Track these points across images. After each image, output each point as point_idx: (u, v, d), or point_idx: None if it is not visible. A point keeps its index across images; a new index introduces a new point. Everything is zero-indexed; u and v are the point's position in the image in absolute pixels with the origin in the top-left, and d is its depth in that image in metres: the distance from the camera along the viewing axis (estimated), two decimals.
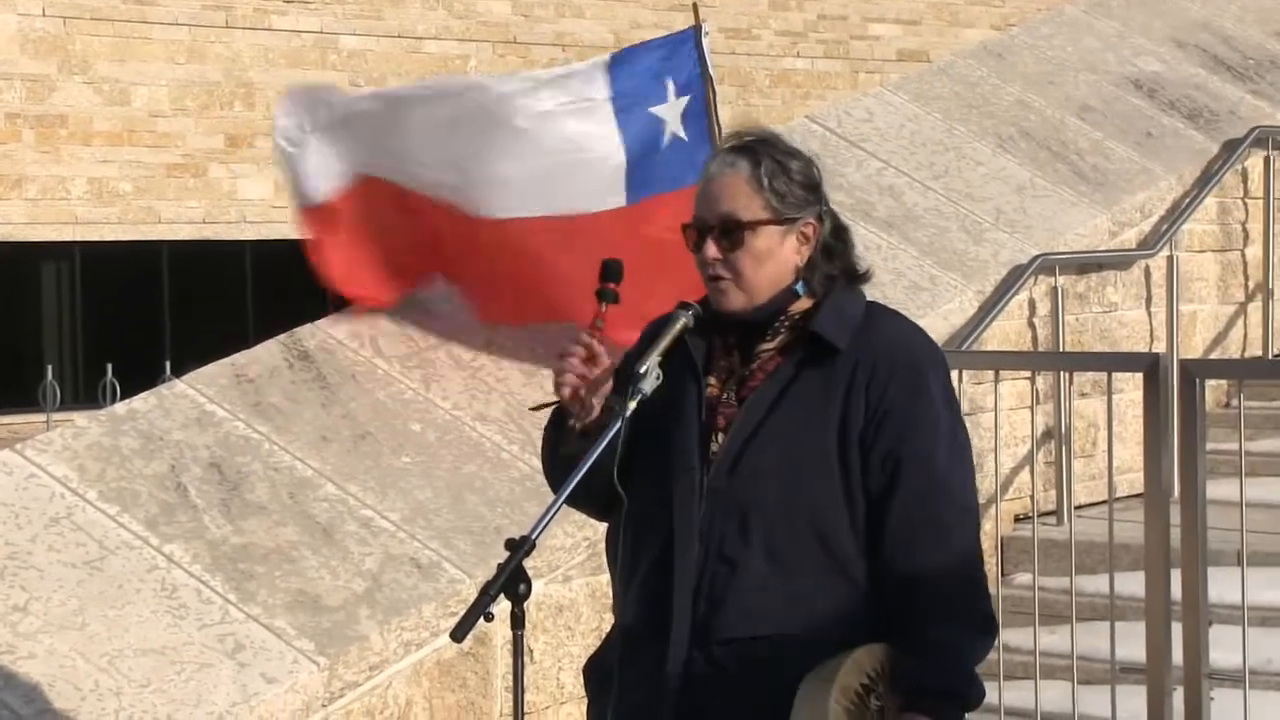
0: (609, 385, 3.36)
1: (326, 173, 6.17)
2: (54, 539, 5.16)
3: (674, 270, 6.00)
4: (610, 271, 3.44)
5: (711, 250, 3.36)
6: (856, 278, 3.45)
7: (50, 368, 26.11)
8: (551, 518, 3.25)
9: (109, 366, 25.91)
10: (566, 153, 6.04)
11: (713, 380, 3.40)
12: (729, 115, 6.22)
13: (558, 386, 3.36)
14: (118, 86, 26.69)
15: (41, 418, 24.47)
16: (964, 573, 3.29)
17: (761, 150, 3.37)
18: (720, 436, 3.35)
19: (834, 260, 3.41)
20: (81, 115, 26.30)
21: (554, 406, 3.43)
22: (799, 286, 3.39)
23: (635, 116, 6.11)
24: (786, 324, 3.39)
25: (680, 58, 6.21)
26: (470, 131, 6.06)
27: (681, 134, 6.12)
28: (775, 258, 3.36)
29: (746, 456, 3.31)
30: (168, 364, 25.21)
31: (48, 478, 5.34)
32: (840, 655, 3.23)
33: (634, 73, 6.17)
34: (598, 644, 3.59)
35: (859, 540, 3.29)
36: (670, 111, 6.13)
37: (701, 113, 6.15)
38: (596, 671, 3.48)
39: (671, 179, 6.07)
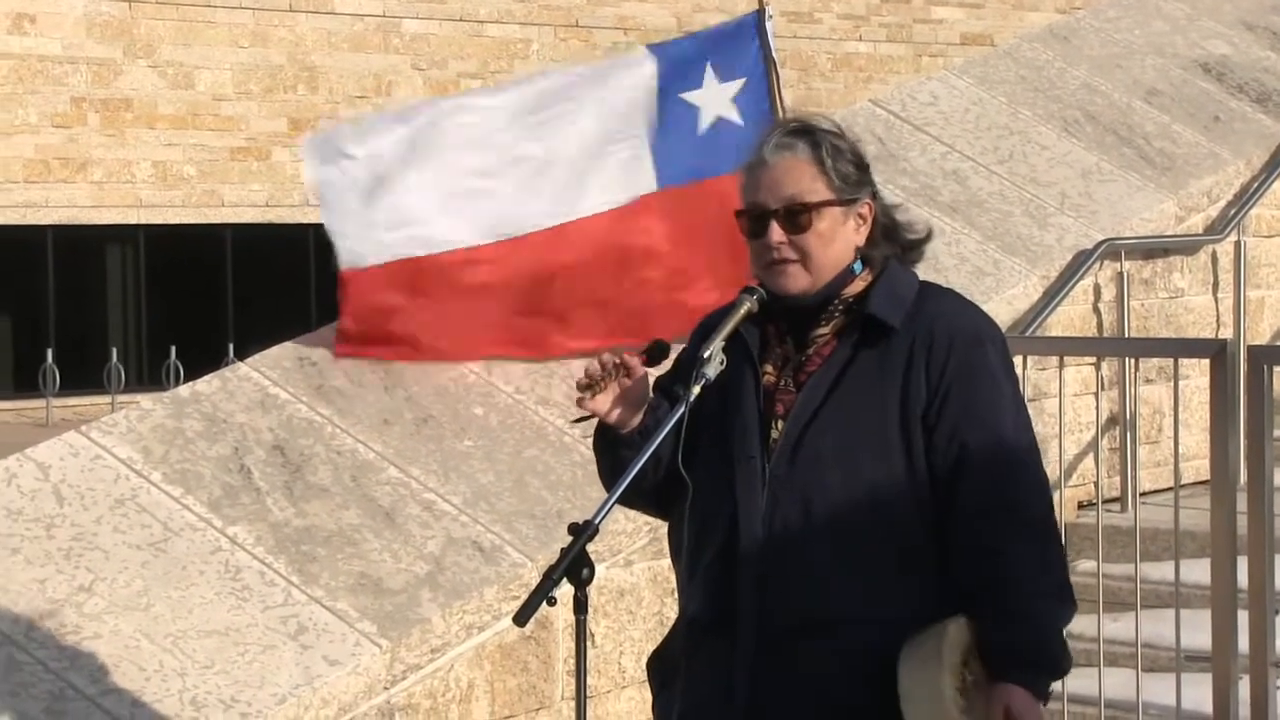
0: (646, 393, 3.36)
1: (371, 241, 6.03)
2: (119, 520, 5.19)
3: (717, 253, 6.03)
4: (656, 353, 3.38)
5: (777, 234, 3.35)
6: (912, 251, 3.44)
7: (115, 350, 26.31)
8: (614, 503, 3.25)
9: (173, 349, 26.08)
10: (602, 143, 6.03)
11: (769, 368, 3.39)
12: (790, 99, 6.20)
13: (586, 409, 3.35)
14: (182, 70, 26.84)
15: (106, 399, 24.65)
16: (1040, 543, 3.28)
17: (817, 133, 3.37)
18: (779, 423, 3.34)
19: (890, 238, 3.41)
20: (146, 99, 26.47)
21: (598, 423, 3.43)
22: (857, 266, 3.38)
23: (667, 103, 6.09)
24: (840, 307, 3.37)
25: (731, 42, 6.18)
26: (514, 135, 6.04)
27: (734, 118, 6.09)
28: (839, 238, 3.36)
29: (807, 442, 3.30)
30: (231, 346, 25.36)
31: (113, 459, 5.37)
32: (930, 633, 3.21)
33: (671, 60, 6.16)
34: (659, 629, 3.60)
35: (924, 520, 3.28)
36: (708, 96, 6.09)
37: (764, 96, 6.13)
38: (661, 663, 3.47)
39: (717, 164, 6.03)
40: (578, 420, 3.48)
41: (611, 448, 3.40)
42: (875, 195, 3.42)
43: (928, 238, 3.49)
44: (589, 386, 3.34)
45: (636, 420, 3.35)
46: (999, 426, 3.28)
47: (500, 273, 5.97)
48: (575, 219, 6.02)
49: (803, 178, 3.34)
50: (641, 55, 6.21)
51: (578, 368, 6.07)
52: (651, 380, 3.43)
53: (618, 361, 3.32)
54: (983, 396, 3.28)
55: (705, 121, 6.09)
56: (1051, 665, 3.25)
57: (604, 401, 3.34)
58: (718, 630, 3.31)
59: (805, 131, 3.37)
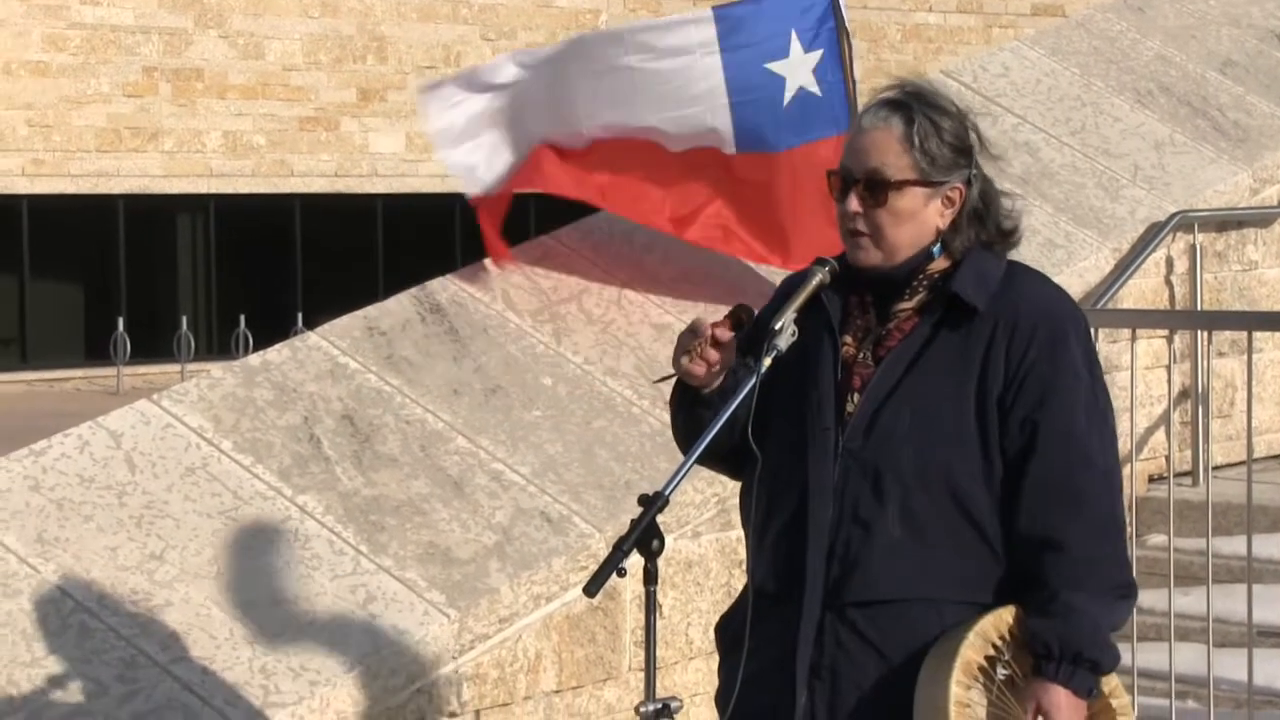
0: (732, 357, 3.33)
1: (499, 162, 6.22)
2: (190, 489, 5.23)
3: (777, 221, 6.08)
4: (741, 320, 3.36)
5: (854, 204, 3.32)
6: (1004, 241, 3.40)
7: (185, 319, 26.47)
8: (685, 474, 3.24)
9: (242, 318, 26.23)
10: (668, 104, 6.09)
11: (848, 339, 3.37)
12: (860, 70, 6.17)
13: (681, 371, 3.34)
14: (252, 40, 26.95)
15: (176, 368, 24.82)
16: (1101, 537, 3.24)
17: (917, 108, 3.32)
18: (856, 397, 3.31)
19: (980, 224, 3.36)
20: (217, 69, 26.59)
21: (676, 381, 3.41)
22: (936, 249, 3.34)
23: (748, 73, 6.08)
24: (925, 283, 3.34)
25: (808, 11, 6.16)
26: (595, 81, 6.12)
27: (814, 89, 6.08)
28: (917, 219, 3.32)
29: (882, 418, 3.28)
30: (299, 316, 25.48)
31: (183, 428, 5.40)
32: (963, 626, 3.19)
33: (746, 27, 6.14)
34: (726, 601, 3.59)
35: (994, 504, 3.26)
36: (792, 67, 6.08)
37: (837, 66, 6.11)
38: (727, 631, 3.46)
39: (796, 134, 6.05)
40: (660, 379, 3.47)
41: (689, 405, 3.38)
42: (971, 180, 3.36)
43: (1016, 234, 3.43)
44: (690, 349, 3.30)
45: (717, 382, 3.34)
46: (1072, 416, 3.25)
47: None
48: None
49: (889, 152, 3.31)
50: (705, 21, 6.21)
51: (646, 339, 6.10)
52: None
53: (709, 333, 3.30)
54: (1060, 385, 3.25)
55: (790, 92, 6.08)
56: (1091, 664, 3.21)
57: (700, 367, 3.31)
58: (783, 599, 3.31)
59: (902, 105, 3.33)
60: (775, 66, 6.09)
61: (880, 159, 3.31)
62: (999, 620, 3.21)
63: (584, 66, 6.19)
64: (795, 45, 6.08)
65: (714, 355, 3.30)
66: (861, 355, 3.34)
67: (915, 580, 3.24)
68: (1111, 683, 3.32)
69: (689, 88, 6.08)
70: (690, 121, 6.10)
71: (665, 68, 6.10)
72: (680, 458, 3.33)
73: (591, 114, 6.15)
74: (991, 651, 3.19)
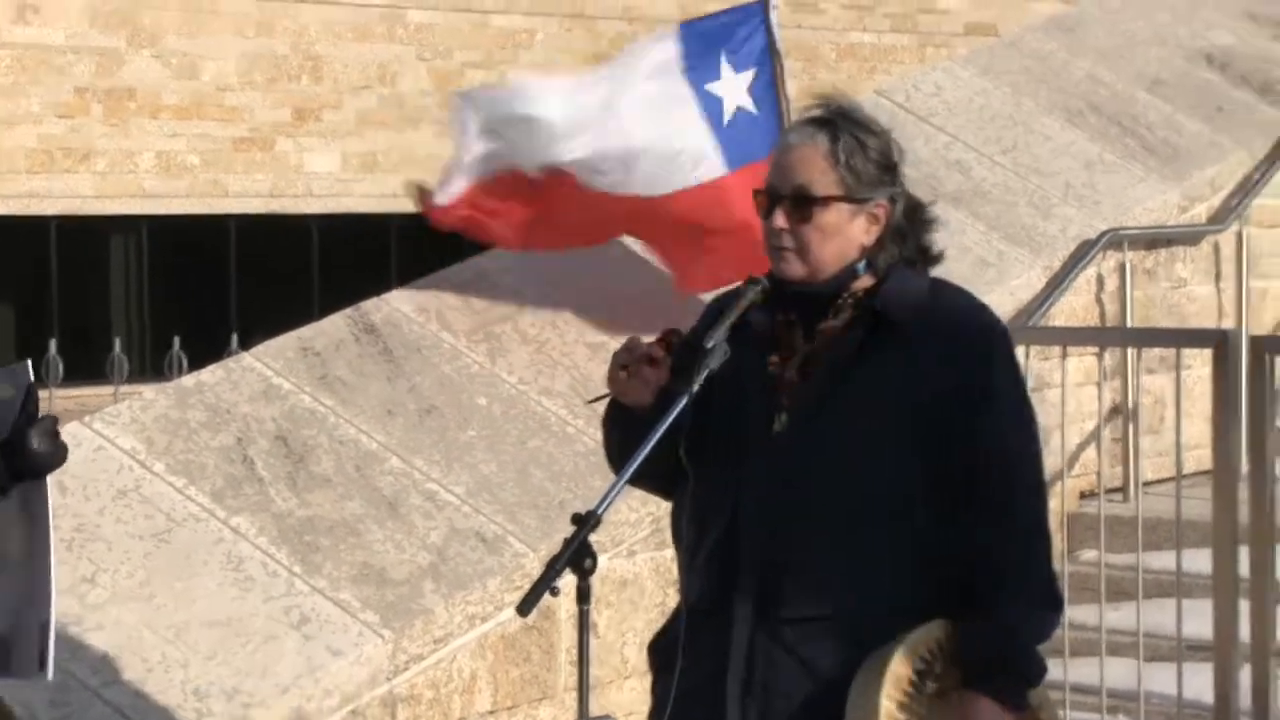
0: (665, 377, 3.35)
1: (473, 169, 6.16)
2: (122, 511, 5.20)
3: (730, 248, 6.05)
4: (673, 341, 3.38)
5: (780, 220, 3.35)
6: (927, 260, 3.42)
7: (118, 340, 26.22)
8: (617, 493, 3.25)
9: (176, 339, 26.04)
10: (651, 133, 6.06)
11: (775, 358, 3.39)
12: (795, 89, 6.19)
13: (615, 390, 3.35)
14: (186, 60, 26.80)
15: (109, 390, 24.61)
16: (1028, 549, 3.28)
17: (842, 125, 3.35)
18: (784, 415, 3.33)
19: (903, 242, 3.39)
20: (149, 89, 26.44)
21: (610, 400, 3.43)
22: (860, 265, 3.36)
23: (699, 94, 6.11)
24: (850, 301, 3.37)
25: (739, 32, 6.18)
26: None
27: (751, 108, 6.10)
28: (842, 235, 3.34)
29: (810, 434, 3.30)
30: (234, 337, 25.32)
31: (115, 450, 5.37)
32: (893, 641, 3.21)
33: (696, 48, 6.16)
34: (661, 619, 3.60)
35: (922, 516, 3.28)
36: (727, 88, 6.11)
37: (770, 85, 6.14)
38: (660, 649, 3.47)
39: (742, 154, 6.06)
40: (595, 399, 3.48)
41: (623, 424, 3.40)
42: (895, 199, 3.39)
43: (938, 251, 3.46)
44: (625, 366, 3.32)
45: (650, 400, 3.35)
46: (999, 430, 3.28)
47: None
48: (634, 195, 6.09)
49: (814, 168, 3.33)
50: (668, 36, 6.23)
51: (581, 359, 6.10)
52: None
53: (644, 351, 3.31)
54: (986, 399, 3.28)
55: (728, 113, 6.10)
56: (1019, 674, 3.24)
57: (633, 387, 3.32)
58: (716, 617, 3.32)
59: (828, 123, 3.35)
60: (712, 88, 6.12)
61: (806, 175, 3.33)
62: (928, 634, 3.23)
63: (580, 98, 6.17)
64: (725, 66, 6.10)
65: (648, 373, 3.31)
66: (789, 373, 3.36)
67: (845, 595, 3.26)
68: (1040, 696, 3.35)
69: (666, 109, 6.09)
70: (675, 153, 6.08)
71: (642, 91, 6.11)
72: (613, 478, 3.34)
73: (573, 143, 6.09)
74: (921, 665, 3.21)
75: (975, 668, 3.22)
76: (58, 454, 3.48)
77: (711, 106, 6.11)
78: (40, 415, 3.49)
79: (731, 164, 6.07)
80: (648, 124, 6.05)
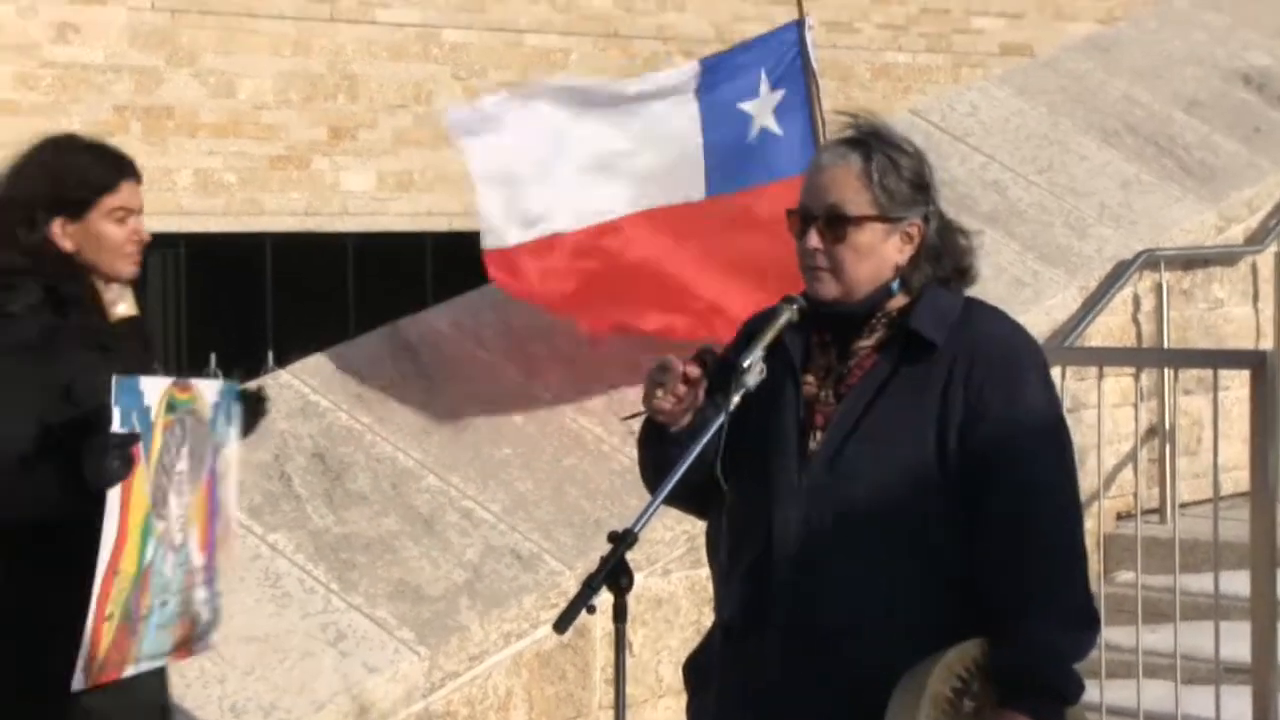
0: (701, 396, 3.35)
1: (517, 221, 6.13)
2: None
3: (755, 265, 6.05)
4: (706, 360, 3.38)
5: (814, 240, 3.35)
6: (961, 278, 3.43)
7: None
8: (654, 512, 3.25)
9: (212, 356, 26.14)
10: (647, 142, 6.08)
11: (810, 378, 3.39)
12: (830, 109, 6.20)
13: (651, 408, 3.35)
14: (223, 79, 26.92)
15: None
16: (1063, 568, 3.27)
17: (875, 145, 3.35)
18: (818, 434, 3.34)
19: (937, 261, 3.39)
20: (188, 107, 26.57)
21: (645, 419, 3.43)
22: (895, 285, 3.37)
23: (719, 112, 6.12)
24: (884, 320, 3.37)
25: (776, 51, 6.20)
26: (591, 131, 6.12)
27: (774, 128, 6.11)
28: (876, 254, 3.35)
29: (844, 454, 3.30)
30: (270, 354, 25.42)
31: None
32: (931, 659, 3.21)
33: (723, 69, 6.18)
34: (696, 638, 3.60)
35: (957, 537, 3.28)
36: (760, 106, 6.12)
37: (801, 106, 6.15)
38: (697, 667, 3.48)
39: (762, 173, 6.07)
40: (630, 416, 3.48)
41: (658, 443, 3.40)
42: (929, 217, 3.39)
43: (972, 271, 3.46)
44: (662, 384, 3.32)
45: (686, 420, 3.36)
46: (1030, 451, 3.27)
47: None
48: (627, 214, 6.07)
49: (848, 188, 3.34)
50: (689, 68, 6.26)
51: (617, 376, 6.11)
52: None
53: (680, 370, 3.32)
54: (1018, 419, 3.28)
55: (754, 131, 6.11)
56: (1055, 693, 3.23)
57: (669, 404, 3.33)
58: (751, 636, 3.32)
59: (861, 143, 3.36)
60: (746, 106, 6.13)
61: (839, 195, 3.33)
62: (964, 653, 3.23)
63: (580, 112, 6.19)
64: (764, 84, 6.12)
65: (684, 391, 3.32)
66: (823, 393, 3.36)
67: (879, 614, 3.26)
68: (1077, 716, 3.34)
69: (665, 124, 6.10)
70: (665, 166, 6.10)
71: (645, 106, 6.12)
72: (649, 496, 3.35)
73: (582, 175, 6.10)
74: (958, 684, 3.21)
75: (1011, 687, 3.21)
76: (102, 475, 3.50)
77: (736, 124, 6.12)
78: (110, 432, 3.53)
79: (752, 181, 6.09)
80: (642, 137, 6.08)
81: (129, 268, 3.92)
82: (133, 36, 26.21)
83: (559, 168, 6.11)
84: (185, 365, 27.05)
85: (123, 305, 3.93)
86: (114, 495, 3.57)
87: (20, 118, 25.44)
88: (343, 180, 27.43)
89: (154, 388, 3.66)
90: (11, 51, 25.41)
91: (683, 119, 6.13)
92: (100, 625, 3.59)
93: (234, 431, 3.92)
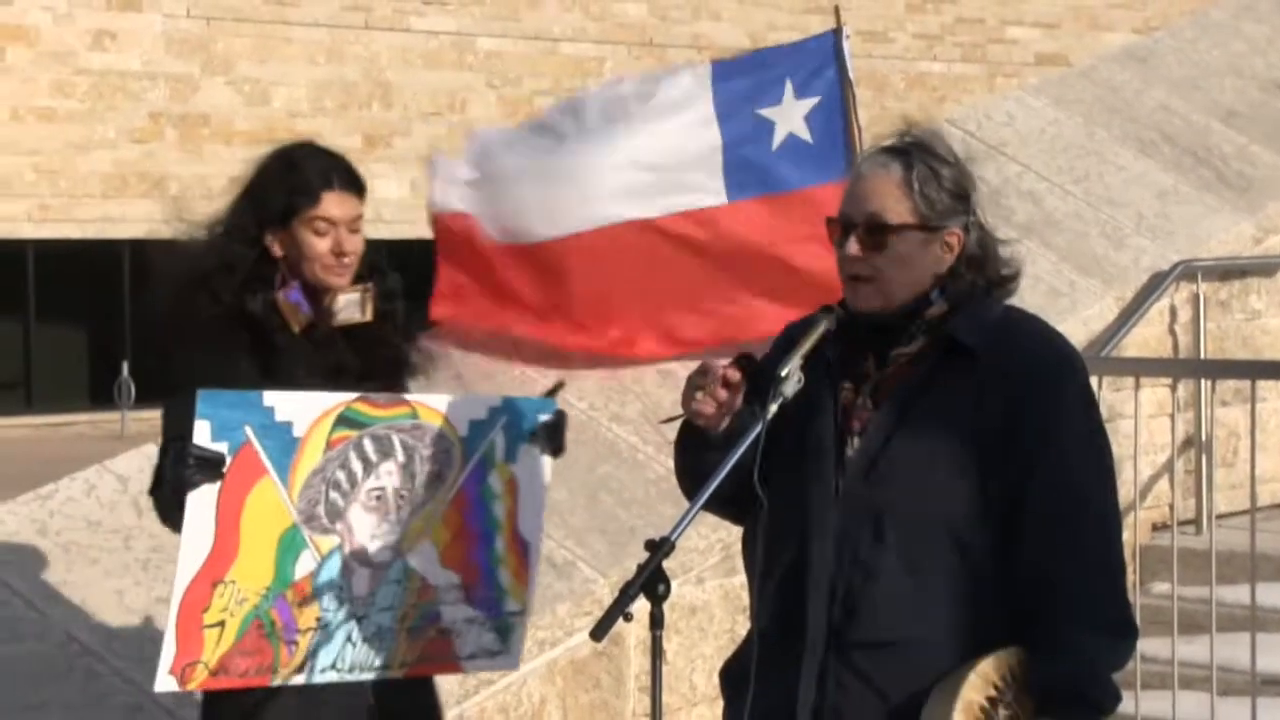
0: (739, 401, 3.35)
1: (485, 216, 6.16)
2: None
3: (773, 272, 6.05)
4: (745, 365, 3.39)
5: (853, 248, 3.35)
6: (1002, 287, 3.42)
7: None
8: (691, 520, 3.25)
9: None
10: (662, 149, 6.07)
11: (848, 384, 3.38)
12: (865, 118, 6.19)
13: (690, 412, 3.35)
14: (258, 87, 27.04)
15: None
16: (1101, 577, 3.26)
17: (916, 154, 3.35)
18: (856, 440, 3.33)
19: (979, 270, 3.38)
20: (223, 115, 26.68)
21: (683, 422, 3.43)
22: (935, 294, 3.36)
23: (739, 118, 6.11)
24: (923, 328, 3.36)
25: (807, 60, 6.20)
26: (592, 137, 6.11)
27: (804, 135, 6.10)
28: (916, 263, 3.34)
29: (882, 461, 3.29)
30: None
31: None
32: (965, 667, 3.20)
33: (741, 75, 6.18)
34: (730, 646, 3.60)
35: (994, 545, 3.27)
36: (784, 113, 6.11)
37: (835, 114, 6.14)
38: (732, 675, 3.47)
39: (787, 180, 6.07)
40: (668, 420, 3.49)
41: (696, 448, 3.40)
42: (969, 227, 3.38)
43: (1014, 280, 3.46)
44: (701, 387, 3.33)
45: (725, 424, 3.36)
46: (1070, 458, 3.26)
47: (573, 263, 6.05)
48: (648, 218, 6.07)
49: (888, 196, 3.33)
50: (701, 69, 6.25)
51: (651, 384, 6.11)
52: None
53: (720, 373, 3.32)
54: (1058, 427, 3.26)
55: (779, 137, 6.11)
56: (1091, 705, 3.21)
57: (709, 407, 3.33)
58: (786, 643, 3.32)
59: (902, 152, 3.35)
60: (767, 112, 6.12)
61: (880, 203, 3.33)
62: (1000, 661, 3.22)
63: (581, 125, 6.18)
64: (789, 92, 6.11)
65: (723, 395, 3.32)
66: (861, 400, 3.36)
67: (916, 622, 3.25)
68: None
69: (683, 134, 6.10)
70: (681, 173, 6.09)
71: (660, 113, 6.12)
72: (684, 502, 3.35)
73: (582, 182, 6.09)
74: (993, 692, 3.20)
75: (1047, 696, 3.20)
76: (174, 482, 3.65)
77: (757, 130, 6.11)
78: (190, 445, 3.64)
79: (776, 187, 6.09)
80: (654, 141, 6.08)
81: (333, 278, 3.95)
82: (168, 44, 26.34)
83: (557, 177, 6.11)
84: None
85: (345, 313, 3.93)
86: (204, 504, 3.64)
87: (56, 125, 25.59)
88: (377, 188, 27.42)
89: (286, 403, 3.67)
90: (48, 59, 25.55)
91: (700, 127, 6.12)
92: (195, 632, 3.66)
93: (528, 449, 3.96)
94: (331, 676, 3.78)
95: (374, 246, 4.06)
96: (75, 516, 5.21)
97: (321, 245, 3.91)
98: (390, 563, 3.80)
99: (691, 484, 3.42)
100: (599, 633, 3.16)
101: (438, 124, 27.37)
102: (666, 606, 3.24)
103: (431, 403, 3.85)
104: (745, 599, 3.55)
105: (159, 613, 4.96)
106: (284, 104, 27.15)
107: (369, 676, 3.83)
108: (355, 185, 4.00)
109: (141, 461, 5.41)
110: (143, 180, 26.06)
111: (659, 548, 3.20)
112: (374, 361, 3.96)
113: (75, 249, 25.76)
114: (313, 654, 3.74)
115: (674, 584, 5.04)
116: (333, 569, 3.75)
